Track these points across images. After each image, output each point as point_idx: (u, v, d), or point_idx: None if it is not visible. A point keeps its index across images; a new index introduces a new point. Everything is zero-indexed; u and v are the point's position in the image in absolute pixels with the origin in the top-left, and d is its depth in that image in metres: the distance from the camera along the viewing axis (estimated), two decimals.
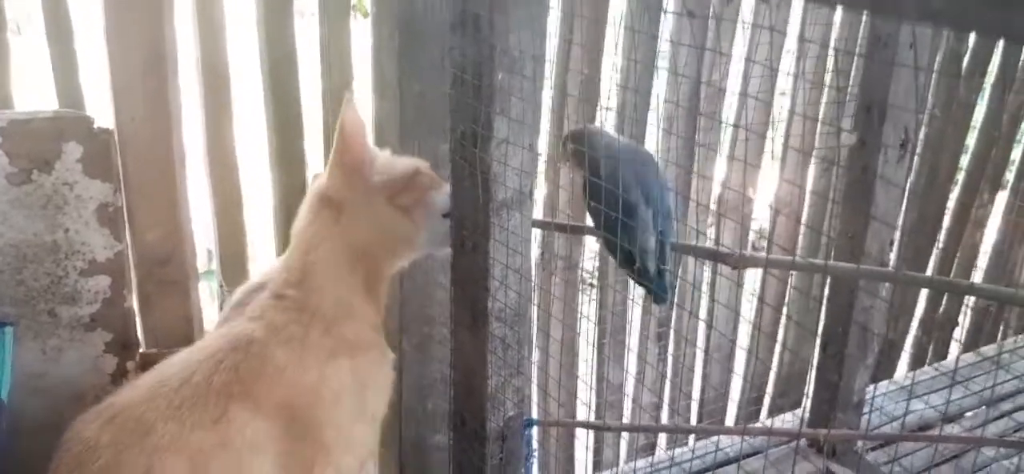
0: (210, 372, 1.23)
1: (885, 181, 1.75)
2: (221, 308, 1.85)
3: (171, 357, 1.33)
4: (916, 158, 1.84)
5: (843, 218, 1.85)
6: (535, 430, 1.56)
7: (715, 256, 1.39)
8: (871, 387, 2.06)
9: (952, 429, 2.09)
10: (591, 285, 2.34)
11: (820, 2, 1.82)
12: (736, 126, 2.20)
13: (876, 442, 1.99)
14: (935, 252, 2.78)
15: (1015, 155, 2.85)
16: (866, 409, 1.98)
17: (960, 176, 2.77)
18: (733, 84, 2.20)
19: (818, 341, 1.94)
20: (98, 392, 1.59)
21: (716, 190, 2.31)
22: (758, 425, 2.14)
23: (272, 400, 1.25)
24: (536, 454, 1.74)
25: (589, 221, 1.59)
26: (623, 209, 1.33)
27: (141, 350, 1.68)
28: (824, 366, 1.94)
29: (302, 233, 1.40)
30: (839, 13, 2.17)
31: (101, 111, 1.60)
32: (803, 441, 1.98)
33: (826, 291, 1.93)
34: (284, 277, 1.37)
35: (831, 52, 2.25)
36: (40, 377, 1.54)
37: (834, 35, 2.26)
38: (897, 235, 1.89)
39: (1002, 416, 2.16)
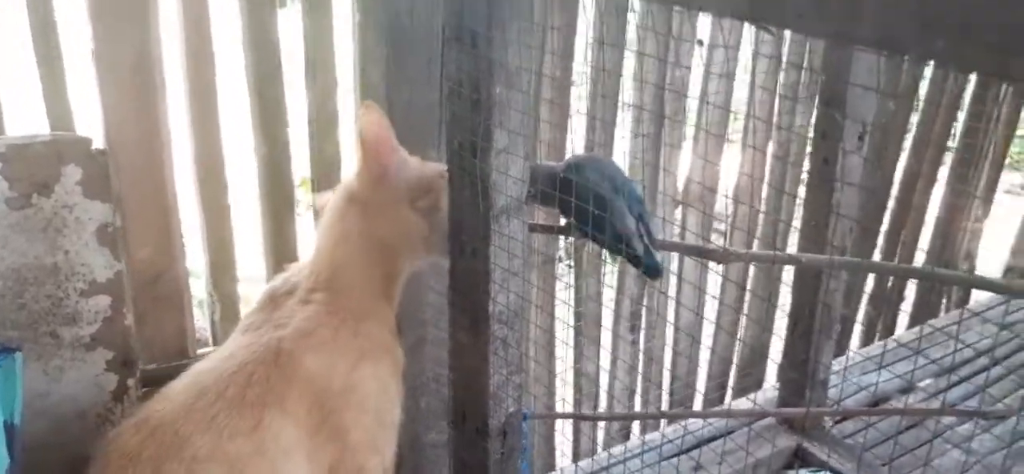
0: (243, 385, 1.28)
1: (846, 171, 1.86)
2: (212, 319, 1.88)
3: (198, 365, 1.37)
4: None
5: (807, 207, 1.96)
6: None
7: (702, 253, 1.47)
8: (835, 361, 2.19)
9: (909, 399, 2.24)
10: (569, 265, 2.42)
11: (822, 38, 1.87)
12: (699, 128, 2.33)
13: (844, 416, 2.11)
14: (883, 231, 2.93)
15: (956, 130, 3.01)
16: (832, 384, 2.11)
17: (904, 155, 2.92)
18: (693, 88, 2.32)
19: (787, 322, 2.05)
20: (100, 410, 1.61)
21: (681, 183, 2.42)
22: (741, 407, 2.25)
23: (303, 406, 1.31)
24: (531, 447, 1.82)
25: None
26: (595, 202, 1.41)
27: (141, 366, 1.69)
28: (792, 346, 2.06)
29: (330, 231, 1.48)
30: None
31: (90, 128, 1.61)
32: (773, 419, 2.10)
33: (793, 275, 2.05)
34: (312, 280, 1.44)
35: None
36: (43, 397, 1.55)
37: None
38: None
39: (960, 382, 2.32)
